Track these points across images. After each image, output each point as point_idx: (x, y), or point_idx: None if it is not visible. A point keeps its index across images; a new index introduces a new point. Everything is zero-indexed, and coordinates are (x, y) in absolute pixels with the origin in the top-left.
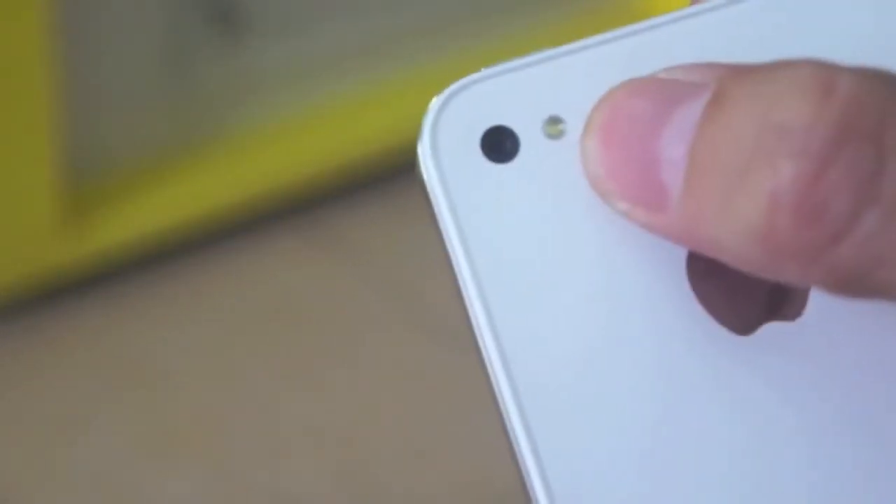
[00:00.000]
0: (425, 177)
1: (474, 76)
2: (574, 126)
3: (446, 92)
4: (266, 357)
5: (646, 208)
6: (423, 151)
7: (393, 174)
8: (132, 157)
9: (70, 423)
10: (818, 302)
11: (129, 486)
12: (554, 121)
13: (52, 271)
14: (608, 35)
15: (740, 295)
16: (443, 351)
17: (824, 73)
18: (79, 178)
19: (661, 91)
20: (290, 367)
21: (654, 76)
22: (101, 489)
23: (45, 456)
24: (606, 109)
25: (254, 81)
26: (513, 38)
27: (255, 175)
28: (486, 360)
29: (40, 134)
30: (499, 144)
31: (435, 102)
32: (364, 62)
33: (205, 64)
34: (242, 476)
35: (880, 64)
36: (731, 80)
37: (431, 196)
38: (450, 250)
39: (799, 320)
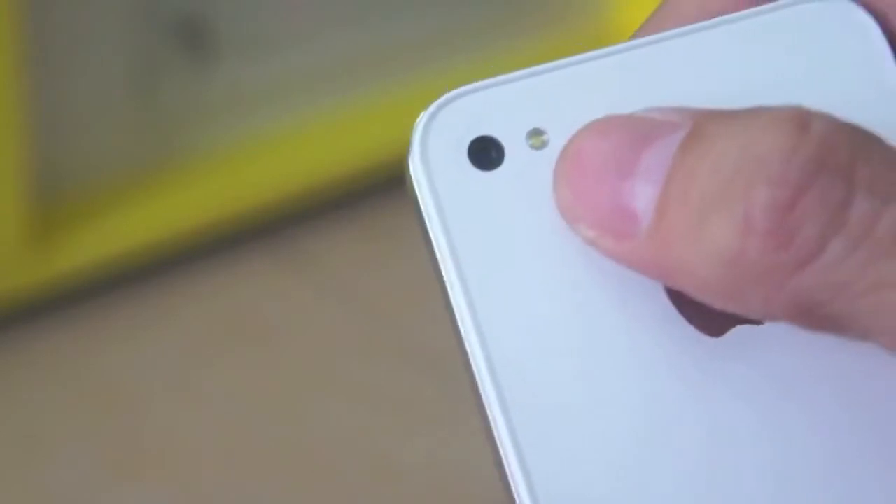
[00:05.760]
0: (415, 182)
1: (462, 89)
2: (556, 138)
3: (436, 102)
4: (235, 377)
5: (614, 236)
6: (413, 157)
7: (363, 196)
8: (100, 178)
9: (37, 443)
10: None
11: None
12: (537, 132)
13: (18, 292)
14: (591, 54)
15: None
16: (413, 371)
17: (802, 113)
18: (46, 199)
19: (638, 126)
20: (259, 387)
21: (632, 114)
22: None
23: (12, 476)
24: (583, 140)
25: (222, 103)
26: (482, 64)
27: (224, 196)
28: (471, 360)
29: (7, 154)
30: (485, 153)
31: (425, 112)
32: (334, 85)
33: (174, 85)
34: (211, 497)
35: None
36: (707, 119)
37: (420, 200)
38: (437, 254)
39: (768, 323)
